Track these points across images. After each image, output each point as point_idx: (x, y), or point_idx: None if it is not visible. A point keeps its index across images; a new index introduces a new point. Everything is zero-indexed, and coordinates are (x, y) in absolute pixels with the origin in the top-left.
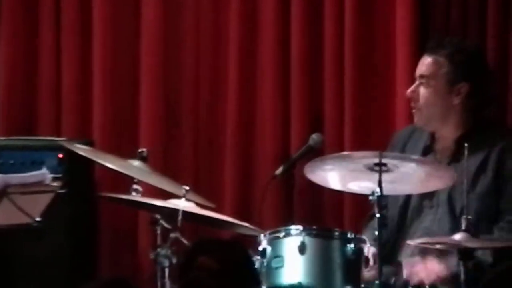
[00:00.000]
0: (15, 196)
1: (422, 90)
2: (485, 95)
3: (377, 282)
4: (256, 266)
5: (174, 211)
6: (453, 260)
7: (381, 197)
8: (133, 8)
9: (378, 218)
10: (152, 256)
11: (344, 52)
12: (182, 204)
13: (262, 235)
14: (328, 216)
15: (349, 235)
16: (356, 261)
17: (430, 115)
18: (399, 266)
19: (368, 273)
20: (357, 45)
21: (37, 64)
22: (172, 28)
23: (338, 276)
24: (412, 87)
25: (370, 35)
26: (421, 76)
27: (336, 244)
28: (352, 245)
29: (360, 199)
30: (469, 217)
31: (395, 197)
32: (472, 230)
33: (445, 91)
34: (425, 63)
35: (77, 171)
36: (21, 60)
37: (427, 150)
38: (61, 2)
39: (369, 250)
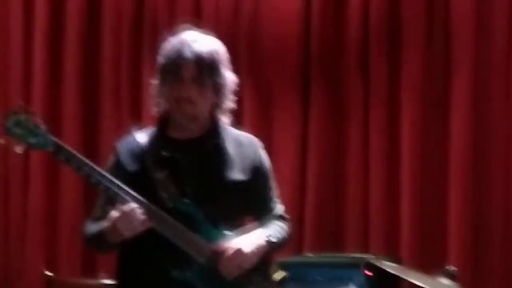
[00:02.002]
0: None
1: None
2: None
3: None
4: None
5: None
6: None
7: None
8: (441, 135)
9: None
10: None
11: None
12: None
13: None
14: None
15: None
16: None
17: None
18: None
19: None
20: None
21: (345, 180)
22: (480, 144)
23: None
24: None
25: None
26: None
27: None
28: None
29: None
30: None
31: None
32: None
33: None
34: None
35: None
36: (329, 177)
37: None
38: (370, 133)
39: None
